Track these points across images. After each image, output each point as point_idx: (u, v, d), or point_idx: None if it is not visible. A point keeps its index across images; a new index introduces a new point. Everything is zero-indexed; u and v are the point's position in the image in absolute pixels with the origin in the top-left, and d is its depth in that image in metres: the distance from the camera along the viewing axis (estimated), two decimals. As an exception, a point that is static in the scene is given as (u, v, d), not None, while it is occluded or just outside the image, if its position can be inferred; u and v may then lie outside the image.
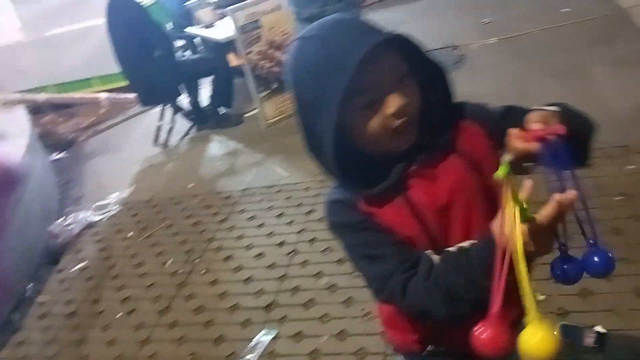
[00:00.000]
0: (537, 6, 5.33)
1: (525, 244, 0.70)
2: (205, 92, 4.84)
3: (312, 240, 2.82)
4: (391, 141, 0.89)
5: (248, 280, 2.69)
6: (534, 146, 0.75)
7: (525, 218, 0.70)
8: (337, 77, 0.81)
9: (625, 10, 4.65)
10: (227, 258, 2.91)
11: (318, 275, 2.56)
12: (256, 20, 4.12)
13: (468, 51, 4.63)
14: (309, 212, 3.07)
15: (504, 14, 5.33)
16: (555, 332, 0.67)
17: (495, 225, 0.77)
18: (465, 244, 0.88)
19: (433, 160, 0.93)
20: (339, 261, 2.58)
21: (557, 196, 0.70)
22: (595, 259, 0.75)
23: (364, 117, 0.87)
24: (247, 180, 3.68)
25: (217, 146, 4.46)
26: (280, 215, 3.14)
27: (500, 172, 0.68)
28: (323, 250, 2.71)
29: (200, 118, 4.79)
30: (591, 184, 2.57)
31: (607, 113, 3.18)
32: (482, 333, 0.71)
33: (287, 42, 4.26)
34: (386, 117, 0.86)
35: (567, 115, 0.84)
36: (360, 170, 0.92)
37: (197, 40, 5.58)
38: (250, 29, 4.12)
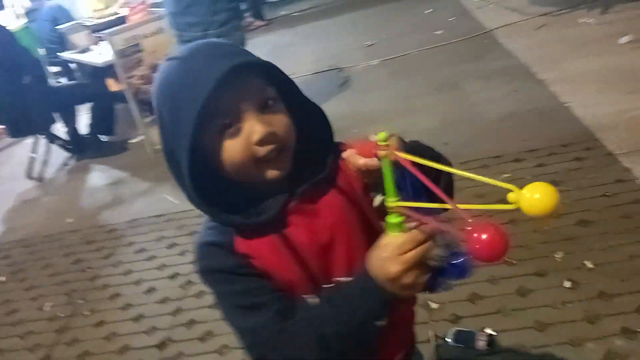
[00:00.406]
0: (413, 29, 5.66)
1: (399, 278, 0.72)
2: (84, 119, 4.55)
3: (206, 269, 2.70)
4: (259, 170, 0.82)
5: (139, 318, 2.51)
6: (374, 161, 0.75)
7: (397, 226, 0.73)
8: (192, 97, 0.76)
9: (491, 32, 5.07)
10: (114, 296, 2.71)
11: (216, 305, 2.44)
12: (137, 44, 3.95)
13: (353, 72, 4.78)
14: (201, 240, 2.94)
15: (384, 36, 5.59)
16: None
17: (371, 257, 0.76)
18: (343, 280, 0.84)
19: (313, 196, 0.87)
20: (235, 288, 2.49)
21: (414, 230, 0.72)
22: (453, 267, 0.76)
23: (224, 142, 0.81)
24: (133, 211, 3.47)
25: (99, 176, 4.19)
26: (171, 246, 2.99)
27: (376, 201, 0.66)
28: (218, 278, 2.60)
29: (79, 147, 4.48)
30: (472, 193, 2.72)
31: (481, 124, 3.41)
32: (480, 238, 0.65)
33: (170, 66, 4.12)
34: (250, 144, 0.80)
35: (412, 144, 0.83)
36: (233, 204, 0.85)
37: (73, 66, 5.25)
38: (130, 53, 3.93)
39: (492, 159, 3.01)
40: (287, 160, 0.84)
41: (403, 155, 0.69)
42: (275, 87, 0.83)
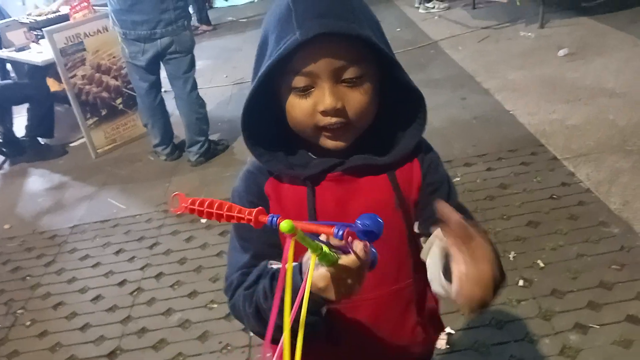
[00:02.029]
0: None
1: (324, 289, 0.66)
2: (21, 121, 4.30)
3: (158, 276, 2.61)
4: (316, 136, 0.81)
5: (85, 327, 2.38)
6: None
7: (330, 262, 0.63)
8: (284, 36, 0.74)
9: (436, 42, 5.22)
10: (58, 305, 2.55)
11: (168, 312, 2.36)
12: (80, 42, 3.78)
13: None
14: (152, 246, 2.84)
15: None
16: None
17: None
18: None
19: (362, 174, 0.85)
20: (192, 294, 2.41)
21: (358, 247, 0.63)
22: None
23: (291, 97, 0.79)
24: (76, 217, 3.31)
25: (38, 180, 3.97)
26: (119, 252, 2.86)
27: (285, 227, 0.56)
28: (172, 284, 2.52)
29: (15, 150, 4.23)
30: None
31: (431, 129, 3.44)
32: None
33: (115, 67, 3.98)
34: (315, 110, 0.78)
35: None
36: (280, 146, 0.84)
37: (8, 66, 4.97)
38: (72, 52, 3.77)
39: (444, 163, 3.07)
40: (349, 136, 0.81)
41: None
42: (377, 64, 0.80)
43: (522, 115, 3.47)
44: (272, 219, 0.57)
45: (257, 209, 0.58)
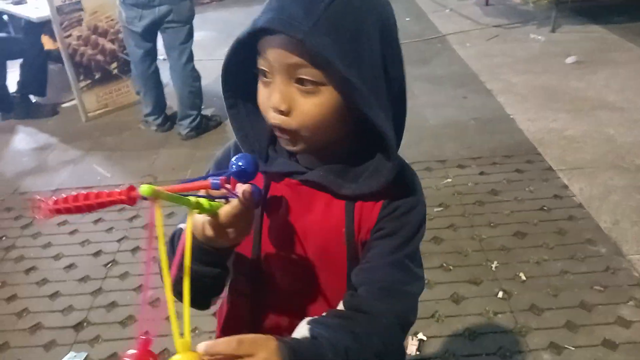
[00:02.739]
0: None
1: (214, 237, 0.69)
2: (13, 76, 4.20)
3: (134, 250, 2.55)
4: (274, 130, 0.76)
5: (55, 295, 2.33)
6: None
7: (213, 212, 0.67)
8: (265, 12, 0.70)
9: (444, 37, 5.12)
10: (30, 270, 2.50)
11: (140, 288, 2.31)
12: (77, 2, 3.68)
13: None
14: (132, 218, 2.78)
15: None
16: None
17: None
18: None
19: (319, 191, 0.78)
20: (164, 272, 2.37)
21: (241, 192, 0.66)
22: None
23: (260, 83, 0.74)
24: (58, 180, 3.24)
25: (25, 139, 3.89)
26: (97, 221, 2.80)
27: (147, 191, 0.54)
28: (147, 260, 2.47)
29: (5, 105, 4.14)
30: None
31: (428, 127, 3.43)
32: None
33: (113, 30, 3.88)
34: (269, 103, 0.73)
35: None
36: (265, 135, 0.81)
37: (6, 17, 4.84)
38: (69, 11, 3.66)
39: (436, 162, 3.03)
40: (299, 143, 0.75)
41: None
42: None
43: (521, 121, 3.41)
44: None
45: (128, 186, 0.55)
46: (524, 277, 2.15)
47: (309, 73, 0.68)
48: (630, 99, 3.57)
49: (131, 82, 4.02)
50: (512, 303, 2.04)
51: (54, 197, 0.55)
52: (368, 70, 0.69)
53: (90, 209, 0.55)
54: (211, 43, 5.33)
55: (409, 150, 3.16)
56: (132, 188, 0.55)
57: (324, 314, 0.75)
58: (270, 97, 0.71)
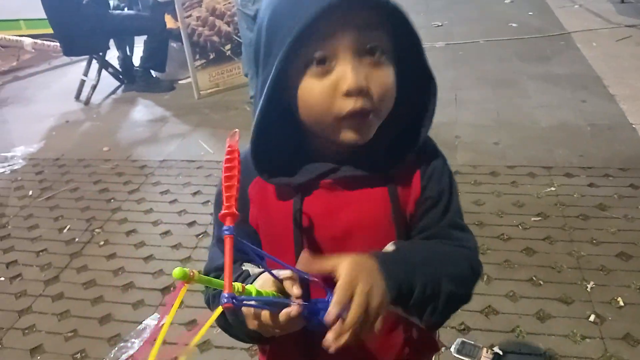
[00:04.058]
0: (488, 17, 5.38)
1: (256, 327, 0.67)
2: (138, 51, 4.53)
3: (224, 224, 2.66)
4: (334, 125, 0.69)
5: (149, 258, 2.50)
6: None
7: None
8: (293, 15, 0.64)
9: (568, 34, 4.76)
10: (131, 232, 2.70)
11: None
12: (200, -16, 3.87)
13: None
14: (226, 193, 2.90)
15: (454, 19, 5.34)
16: None
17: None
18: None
19: (355, 184, 0.75)
20: (248, 249, 2.44)
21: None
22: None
23: (306, 78, 0.67)
24: (167, 152, 3.46)
25: (142, 111, 4.19)
26: (196, 194, 2.96)
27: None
28: (233, 235, 2.56)
29: (129, 78, 4.49)
30: (512, 201, 2.57)
31: (535, 129, 3.21)
32: None
33: (230, 12, 4.04)
34: (337, 92, 0.66)
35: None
36: (272, 148, 0.75)
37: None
38: (192, -7, 3.87)
39: (542, 168, 2.83)
40: (372, 128, 0.70)
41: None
42: (395, 42, 0.69)
43: (645, 132, 3.09)
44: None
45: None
46: (622, 303, 1.95)
47: (382, 40, 0.66)
48: None
49: (241, 64, 4.17)
50: (604, 329, 1.86)
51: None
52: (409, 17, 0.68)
53: None
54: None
55: (513, 151, 2.99)
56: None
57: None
58: (345, 80, 0.65)
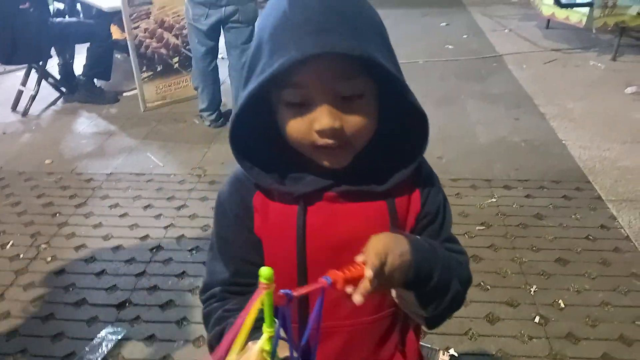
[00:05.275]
0: (425, 39, 5.65)
1: None
2: (80, 60, 4.41)
3: (179, 238, 2.64)
4: (313, 154, 0.76)
5: (101, 273, 2.44)
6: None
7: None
8: (282, 48, 0.67)
9: (501, 56, 5.08)
10: (80, 247, 2.63)
11: (181, 275, 2.39)
12: (148, -5, 3.85)
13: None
14: (180, 207, 2.89)
15: (394, 40, 5.54)
16: None
17: None
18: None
19: (357, 198, 0.80)
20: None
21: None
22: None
23: (288, 114, 0.73)
24: (114, 165, 3.39)
25: (86, 122, 4.07)
26: (147, 207, 2.92)
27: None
28: (190, 249, 2.55)
29: (70, 87, 4.35)
30: (457, 212, 2.71)
31: (477, 145, 3.41)
32: None
33: (178, 25, 4.03)
34: (312, 128, 0.72)
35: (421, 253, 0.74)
36: (270, 159, 0.79)
37: (79, 6, 5.09)
38: (139, 3, 3.84)
39: (482, 181, 3.01)
40: (347, 157, 0.76)
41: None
42: (376, 79, 0.73)
43: (573, 148, 3.35)
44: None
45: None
46: (562, 304, 2.12)
47: (352, 90, 0.71)
48: (692, 135, 3.46)
49: (190, 77, 4.16)
50: (548, 329, 2.01)
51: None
52: (394, 57, 0.74)
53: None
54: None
55: (455, 165, 3.16)
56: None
57: None
58: (319, 121, 0.70)
